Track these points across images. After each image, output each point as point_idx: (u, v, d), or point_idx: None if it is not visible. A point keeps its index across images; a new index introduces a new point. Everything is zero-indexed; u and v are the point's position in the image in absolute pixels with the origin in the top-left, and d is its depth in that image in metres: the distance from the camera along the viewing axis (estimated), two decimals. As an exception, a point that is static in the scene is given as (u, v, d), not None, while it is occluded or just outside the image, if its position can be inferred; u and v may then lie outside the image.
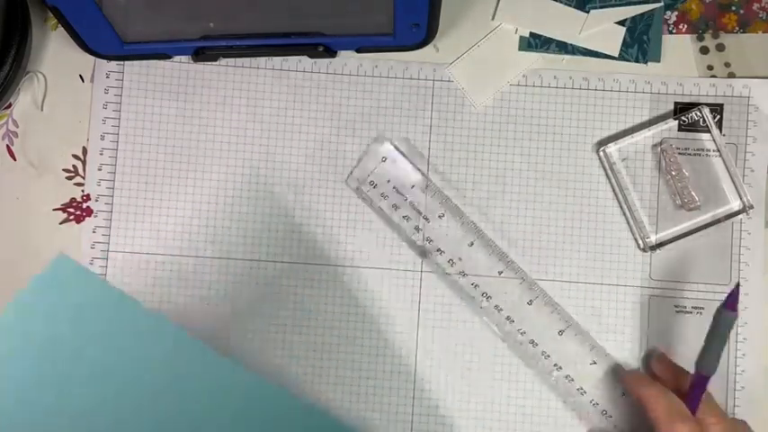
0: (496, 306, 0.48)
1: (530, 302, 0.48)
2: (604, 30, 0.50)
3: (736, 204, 0.49)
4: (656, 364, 0.47)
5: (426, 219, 0.49)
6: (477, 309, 0.48)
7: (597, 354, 0.48)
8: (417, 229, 0.49)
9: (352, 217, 0.49)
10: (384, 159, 0.49)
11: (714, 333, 0.42)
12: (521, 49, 0.50)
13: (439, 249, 0.49)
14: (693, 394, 0.43)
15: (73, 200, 0.49)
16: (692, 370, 0.43)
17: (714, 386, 0.48)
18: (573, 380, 0.48)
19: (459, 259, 0.48)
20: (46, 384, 0.41)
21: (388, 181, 0.49)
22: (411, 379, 0.49)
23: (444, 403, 0.48)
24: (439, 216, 0.49)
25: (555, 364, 0.48)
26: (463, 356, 0.49)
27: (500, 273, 0.48)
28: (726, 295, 0.43)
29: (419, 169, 0.49)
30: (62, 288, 0.41)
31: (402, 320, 0.49)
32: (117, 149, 0.49)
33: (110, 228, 0.49)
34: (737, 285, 0.42)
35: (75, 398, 0.41)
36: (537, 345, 0.48)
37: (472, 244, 0.49)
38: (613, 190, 0.49)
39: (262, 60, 0.50)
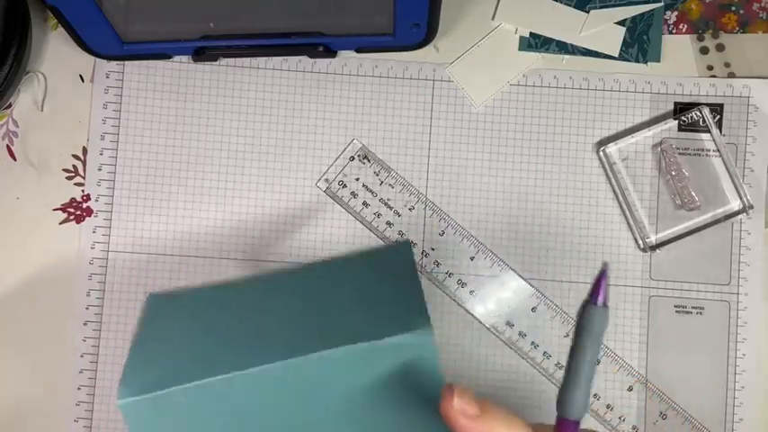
0: (472, 292, 0.48)
1: (502, 284, 0.49)
2: (604, 30, 0.50)
3: (736, 204, 0.49)
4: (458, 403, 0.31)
5: (397, 213, 0.49)
6: (454, 298, 0.49)
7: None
8: (389, 224, 0.49)
9: (351, 217, 0.49)
10: (352, 158, 0.49)
11: (580, 349, 0.30)
12: (521, 49, 0.50)
13: (412, 242, 0.49)
14: None
15: (73, 200, 0.49)
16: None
17: (714, 386, 0.48)
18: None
19: (432, 249, 0.49)
20: None
21: (357, 179, 0.49)
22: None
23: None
24: (409, 209, 0.49)
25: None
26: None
27: (472, 258, 0.49)
28: (592, 287, 0.30)
29: (386, 166, 0.49)
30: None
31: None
32: (117, 149, 0.49)
33: (110, 228, 0.49)
34: (604, 267, 0.30)
35: None
36: (513, 325, 0.48)
37: (443, 233, 0.49)
38: (613, 190, 0.49)
39: (262, 60, 0.50)
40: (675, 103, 0.50)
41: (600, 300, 0.29)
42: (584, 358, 0.29)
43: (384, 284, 0.39)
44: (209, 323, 0.40)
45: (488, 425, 0.30)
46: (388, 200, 0.49)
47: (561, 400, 0.30)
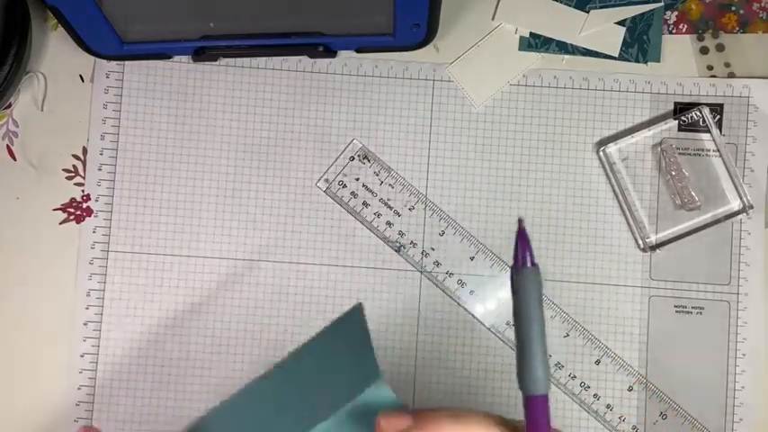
0: (471, 292, 0.49)
1: (502, 284, 0.49)
2: (604, 30, 0.50)
3: (736, 204, 0.49)
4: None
5: (397, 213, 0.49)
6: (454, 298, 0.49)
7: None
8: (389, 224, 0.49)
9: (351, 217, 0.49)
10: (352, 158, 0.49)
11: (524, 320, 0.27)
12: (521, 49, 0.50)
13: (412, 242, 0.49)
14: (532, 423, 0.29)
15: (73, 200, 0.49)
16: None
17: (714, 386, 0.48)
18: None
19: (432, 249, 0.49)
20: None
21: (357, 179, 0.49)
22: (411, 379, 0.49)
23: (444, 402, 0.48)
24: (409, 209, 0.49)
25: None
26: (459, 354, 0.49)
27: (472, 258, 0.49)
28: (515, 250, 0.28)
29: (386, 166, 0.49)
30: None
31: (402, 320, 0.49)
32: (117, 149, 0.49)
33: (110, 228, 0.49)
34: (519, 221, 0.28)
35: None
36: (513, 325, 0.48)
37: (443, 233, 0.49)
38: (613, 190, 0.49)
39: (262, 60, 0.50)
40: (675, 103, 0.50)
41: (527, 260, 0.27)
42: (532, 328, 0.27)
43: (340, 354, 0.39)
44: None
45: (429, 429, 0.29)
46: (388, 200, 0.49)
47: (523, 379, 0.28)
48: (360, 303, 0.38)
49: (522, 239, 0.27)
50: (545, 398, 0.28)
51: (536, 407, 0.28)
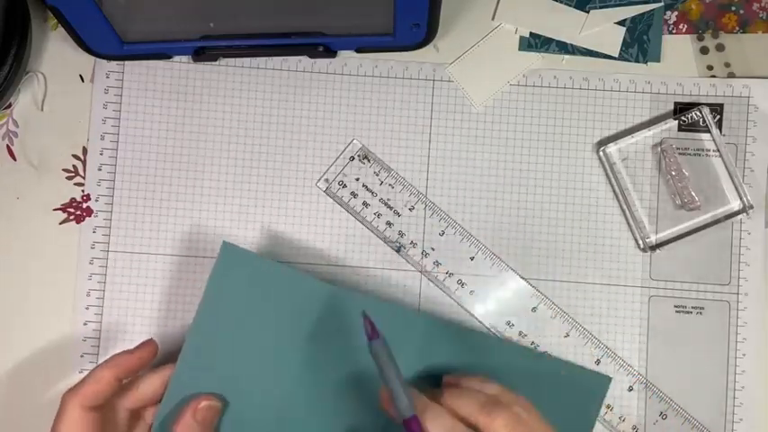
0: (471, 292, 0.49)
1: (502, 284, 0.49)
2: (604, 30, 0.50)
3: (736, 204, 0.49)
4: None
5: (397, 213, 0.49)
6: (454, 298, 0.49)
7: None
8: (389, 224, 0.49)
9: (350, 217, 0.49)
10: (352, 158, 0.49)
11: (381, 371, 0.38)
12: (521, 49, 0.50)
13: (412, 242, 0.49)
14: None
15: (73, 200, 0.49)
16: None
17: (714, 386, 0.48)
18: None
19: (432, 249, 0.49)
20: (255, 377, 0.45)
21: (357, 179, 0.49)
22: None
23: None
24: (409, 209, 0.49)
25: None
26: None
27: (472, 258, 0.49)
28: (366, 332, 0.39)
29: (386, 166, 0.49)
30: (240, 277, 0.45)
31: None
32: (117, 149, 0.49)
33: (110, 228, 0.49)
34: (364, 314, 0.39)
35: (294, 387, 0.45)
36: (513, 325, 0.48)
37: (443, 233, 0.49)
38: (613, 190, 0.49)
39: (262, 60, 0.50)
40: (675, 103, 0.50)
41: (374, 335, 0.38)
42: (391, 375, 0.38)
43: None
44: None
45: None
46: (388, 200, 0.49)
47: (396, 409, 0.38)
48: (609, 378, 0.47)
49: (366, 322, 0.39)
50: (416, 417, 0.37)
51: (412, 425, 0.37)
